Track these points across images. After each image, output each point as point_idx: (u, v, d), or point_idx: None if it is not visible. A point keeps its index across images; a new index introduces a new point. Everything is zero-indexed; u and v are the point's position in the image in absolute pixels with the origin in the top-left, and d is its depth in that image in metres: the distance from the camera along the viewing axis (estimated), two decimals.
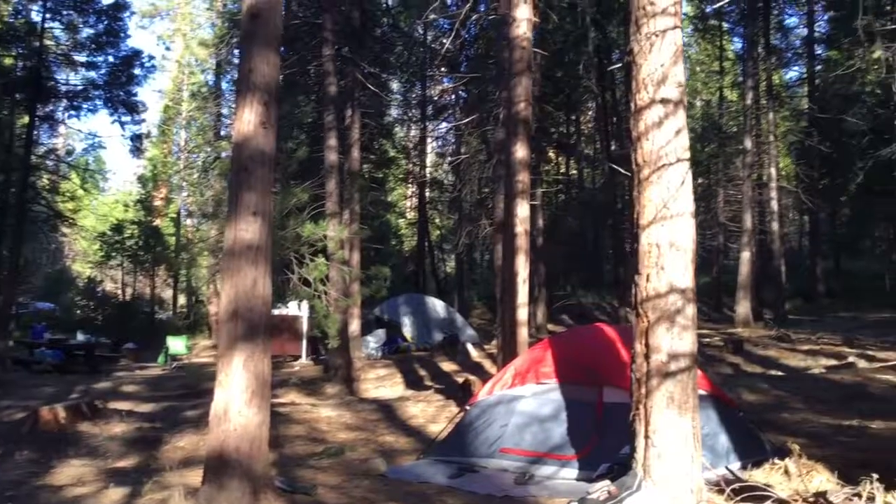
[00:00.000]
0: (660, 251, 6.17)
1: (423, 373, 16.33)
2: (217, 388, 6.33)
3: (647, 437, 6.12)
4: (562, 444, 7.46)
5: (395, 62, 27.27)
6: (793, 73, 36.53)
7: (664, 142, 6.23)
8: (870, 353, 15.96)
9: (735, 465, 7.13)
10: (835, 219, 35.19)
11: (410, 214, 40.47)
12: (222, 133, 29.36)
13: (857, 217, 34.92)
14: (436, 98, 31.47)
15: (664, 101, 6.27)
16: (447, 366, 16.81)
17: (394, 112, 32.16)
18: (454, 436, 8.38)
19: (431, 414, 11.14)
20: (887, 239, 35.52)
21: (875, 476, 5.80)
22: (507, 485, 7.09)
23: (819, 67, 31.48)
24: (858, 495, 5.75)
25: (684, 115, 6.37)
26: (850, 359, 15.19)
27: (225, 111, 30.23)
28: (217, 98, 31.30)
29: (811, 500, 5.67)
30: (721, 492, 6.21)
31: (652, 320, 6.15)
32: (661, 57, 6.27)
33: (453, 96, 29.52)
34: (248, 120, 6.57)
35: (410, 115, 33.28)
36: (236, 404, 6.21)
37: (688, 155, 6.30)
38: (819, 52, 32.17)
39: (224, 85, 32.20)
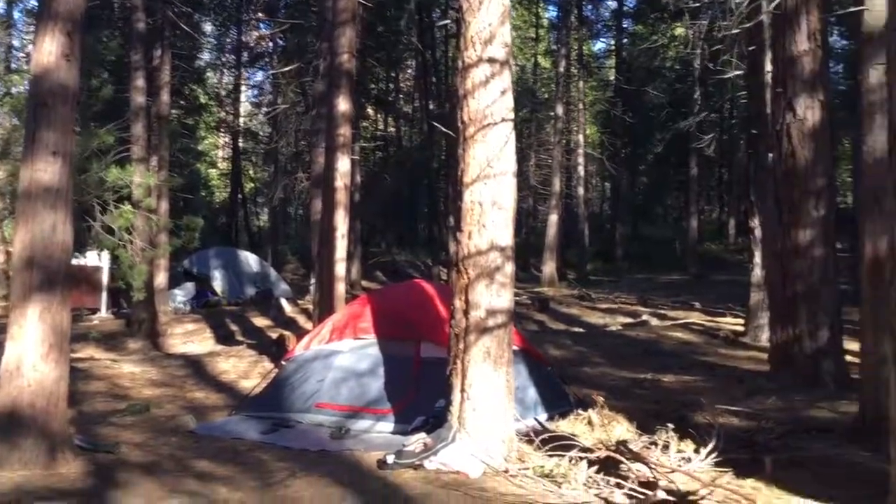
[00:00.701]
0: (482, 209, 6.26)
1: (234, 328, 15.88)
2: (9, 341, 5.80)
3: (463, 390, 6.25)
4: (378, 399, 7.48)
5: (209, 2, 25.98)
6: (601, 45, 38.31)
7: (490, 101, 6.29)
8: (661, 311, 17.24)
9: (542, 417, 7.45)
10: (634, 186, 37.51)
11: (223, 165, 39.00)
12: (13, 66, 26.78)
13: (653, 185, 37.42)
14: (252, 44, 30.32)
15: (491, 61, 6.32)
16: (260, 321, 16.44)
17: (206, 56, 30.68)
18: (268, 391, 8.20)
19: (243, 370, 10.86)
20: (678, 207, 38.33)
21: (669, 426, 6.26)
22: (323, 439, 7.03)
23: (626, 41, 33.17)
24: (655, 443, 6.17)
25: (510, 75, 6.46)
26: (644, 317, 16.34)
27: (17, 42, 27.56)
28: (8, 28, 28.46)
29: (613, 448, 6.01)
30: (530, 442, 6.46)
31: (472, 277, 6.26)
32: (489, 16, 6.30)
33: (271, 44, 28.56)
34: (48, 51, 5.97)
35: (224, 60, 31.87)
36: (31, 358, 5.72)
37: (512, 115, 6.41)
38: (626, 25, 33.88)
39: (17, 14, 29.33)
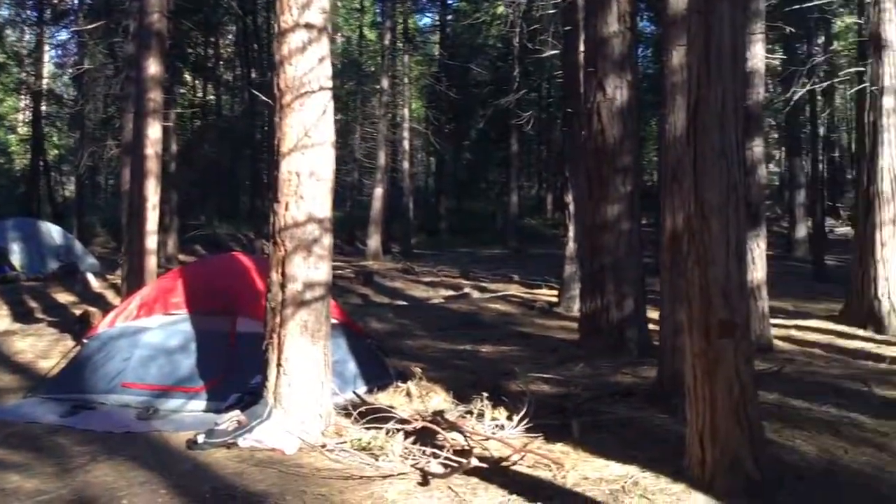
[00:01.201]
0: (299, 179, 6.10)
1: (34, 304, 14.74)
2: None
3: (279, 364, 6.10)
4: (190, 376, 7.16)
5: None
6: (427, 20, 38.53)
7: (308, 68, 6.12)
8: (482, 284, 17.68)
9: (362, 390, 7.41)
10: (458, 161, 38.17)
11: (23, 130, 36.03)
12: None
13: (476, 161, 38.26)
14: (55, 0, 28.06)
15: (308, 27, 6.14)
16: (64, 297, 15.35)
17: (5, 12, 28.14)
18: (69, 372, 7.65)
19: (42, 349, 10.10)
20: (500, 182, 39.42)
21: (485, 395, 6.41)
22: (129, 421, 6.66)
23: (450, 17, 33.52)
24: (470, 412, 6.30)
25: (328, 42, 6.31)
26: (466, 290, 16.69)
27: None
28: None
29: (429, 418, 6.08)
30: (348, 415, 6.42)
31: (289, 249, 6.10)
32: None
33: (76, 0, 26.56)
34: None
35: (25, 16, 29.30)
36: None
37: (330, 84, 6.27)
38: (451, 1, 34.23)
39: None
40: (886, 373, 8.92)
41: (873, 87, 11.17)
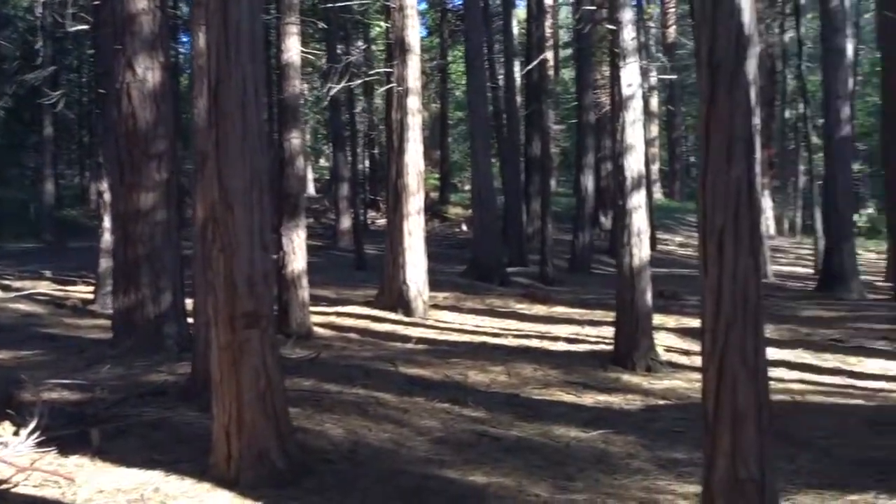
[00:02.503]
0: None
1: None
2: None
3: None
4: None
5: None
6: None
7: None
8: (5, 282, 15.58)
9: None
10: None
11: None
12: None
13: (7, 144, 33.92)
14: None
15: None
16: None
17: None
18: None
19: None
20: (34, 168, 35.41)
21: None
22: None
23: None
24: None
25: None
26: None
27: None
28: None
29: None
30: None
31: None
32: None
33: None
34: None
35: None
36: None
37: None
38: None
39: None
40: (412, 352, 9.72)
41: (399, 88, 12.10)
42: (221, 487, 4.83)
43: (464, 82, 20.50)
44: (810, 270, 19.71)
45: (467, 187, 26.47)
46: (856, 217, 21.34)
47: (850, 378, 8.84)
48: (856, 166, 22.73)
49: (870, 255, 23.36)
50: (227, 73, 4.89)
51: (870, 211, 31.09)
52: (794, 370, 9.03)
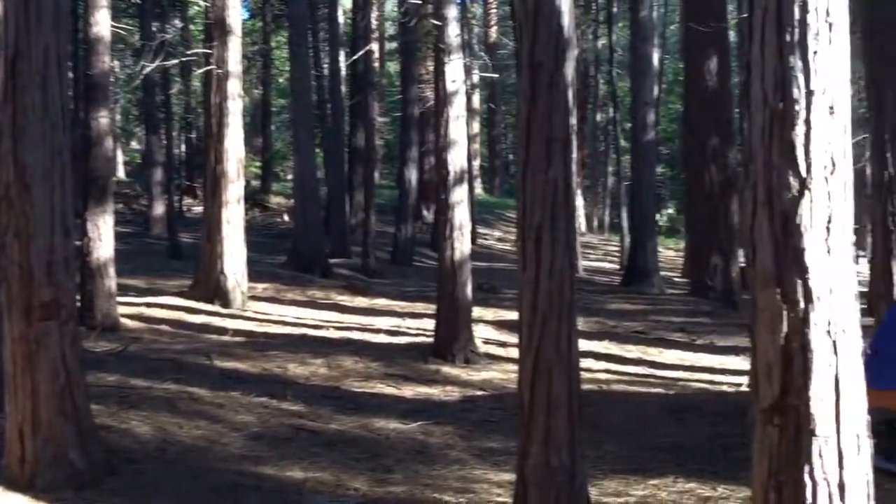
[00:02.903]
0: None
1: None
2: None
3: None
4: None
5: None
6: None
7: None
8: None
9: None
10: None
11: None
12: None
13: None
14: None
15: None
16: None
17: None
18: None
19: None
20: None
21: None
22: None
23: None
24: None
25: None
26: None
27: None
28: None
29: None
30: None
31: None
32: None
33: None
34: None
35: None
36: None
37: None
38: None
39: None
40: (228, 345, 9.40)
41: (219, 70, 11.64)
42: (14, 490, 4.48)
43: (287, 69, 20.01)
44: (616, 266, 20.87)
45: (290, 177, 25.97)
46: (658, 216, 22.87)
47: (650, 368, 9.44)
48: (659, 169, 24.31)
49: (669, 252, 25.07)
50: (26, 43, 4.50)
51: (670, 211, 33.44)
52: (600, 360, 9.53)
